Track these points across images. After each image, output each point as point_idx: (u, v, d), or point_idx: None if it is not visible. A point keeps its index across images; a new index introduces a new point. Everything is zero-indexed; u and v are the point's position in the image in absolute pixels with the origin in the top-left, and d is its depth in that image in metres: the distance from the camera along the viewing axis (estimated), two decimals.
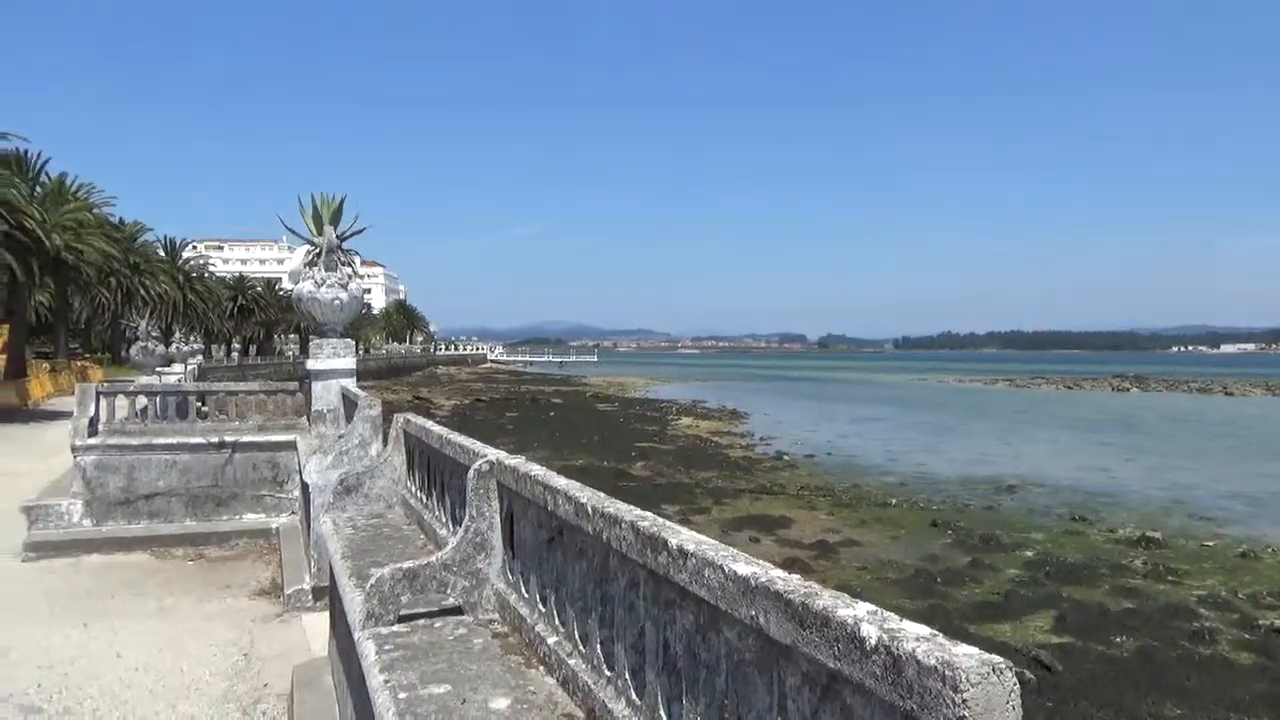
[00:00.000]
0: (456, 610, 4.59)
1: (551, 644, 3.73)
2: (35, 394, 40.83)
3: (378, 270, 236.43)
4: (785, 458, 39.26)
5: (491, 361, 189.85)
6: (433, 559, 4.55)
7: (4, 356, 51.58)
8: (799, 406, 76.69)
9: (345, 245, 13.75)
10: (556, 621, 3.79)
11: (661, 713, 2.77)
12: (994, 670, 1.56)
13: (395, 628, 4.36)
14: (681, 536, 2.62)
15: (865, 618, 1.82)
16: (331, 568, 6.31)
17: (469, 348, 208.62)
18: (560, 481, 3.75)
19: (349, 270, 13.56)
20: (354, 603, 4.87)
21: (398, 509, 7.47)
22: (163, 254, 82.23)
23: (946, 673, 1.56)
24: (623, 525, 2.94)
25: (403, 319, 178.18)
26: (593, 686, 3.26)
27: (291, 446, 13.88)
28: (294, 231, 13.66)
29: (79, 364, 58.26)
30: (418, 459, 7.10)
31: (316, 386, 13.45)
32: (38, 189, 46.08)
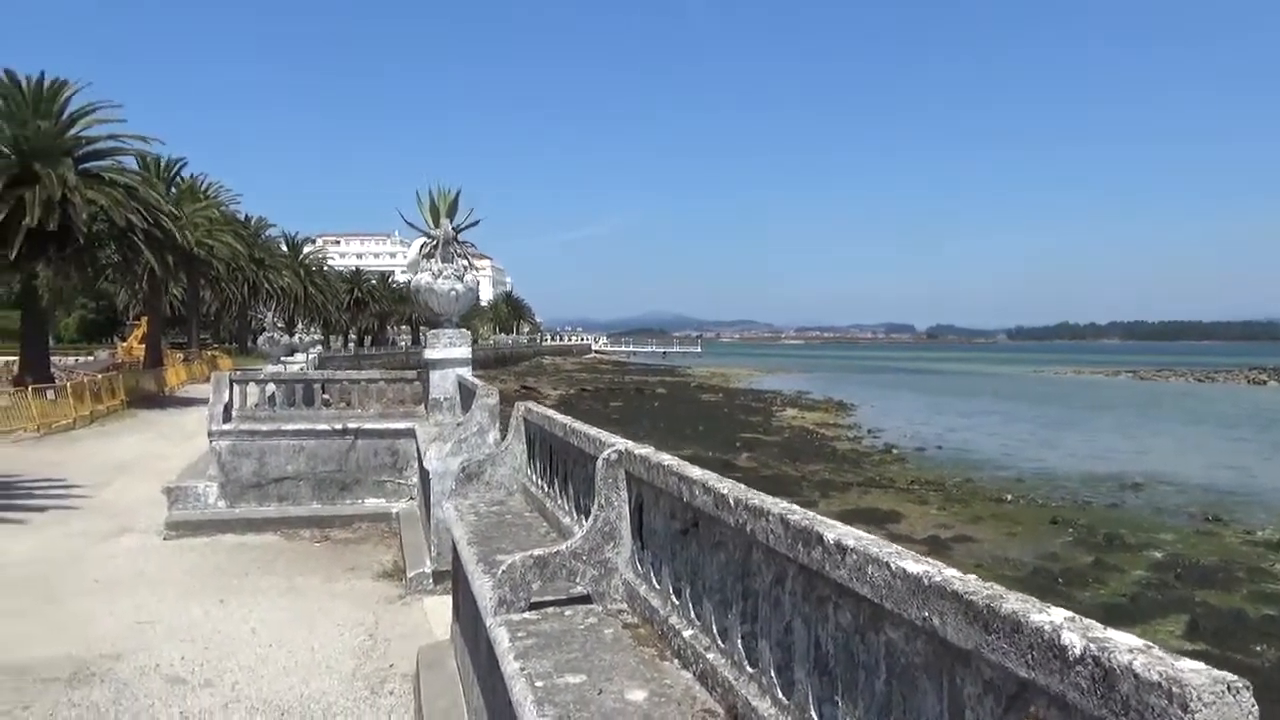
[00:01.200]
0: (584, 599, 4.58)
1: (687, 637, 3.67)
2: (172, 381, 43.25)
3: (485, 263, 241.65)
4: (894, 451, 38.39)
5: (595, 352, 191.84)
6: (562, 547, 4.55)
7: (144, 347, 54.87)
8: (907, 399, 74.91)
9: (460, 237, 14.01)
10: (692, 614, 3.73)
11: (812, 713, 2.66)
12: (1229, 689, 1.41)
13: (526, 615, 4.38)
14: (838, 531, 2.51)
15: (1064, 625, 1.68)
16: (457, 553, 6.41)
17: (573, 338, 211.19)
18: (696, 471, 3.68)
19: (464, 262, 13.83)
20: (483, 588, 4.92)
21: (518, 496, 7.55)
22: (285, 249, 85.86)
23: (1173, 689, 1.41)
24: (770, 518, 2.85)
25: (509, 310, 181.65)
26: (734, 682, 3.18)
27: (410, 434, 14.26)
28: (412, 225, 14.01)
29: (209, 353, 61.51)
30: (539, 447, 7.15)
31: (434, 375, 13.77)
32: (172, 189, 48.78)
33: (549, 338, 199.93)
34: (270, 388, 14.98)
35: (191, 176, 54.23)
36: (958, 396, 76.60)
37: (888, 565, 2.19)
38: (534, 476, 7.32)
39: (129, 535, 13.64)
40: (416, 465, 14.23)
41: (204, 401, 40.49)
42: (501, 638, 4.12)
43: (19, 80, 33.13)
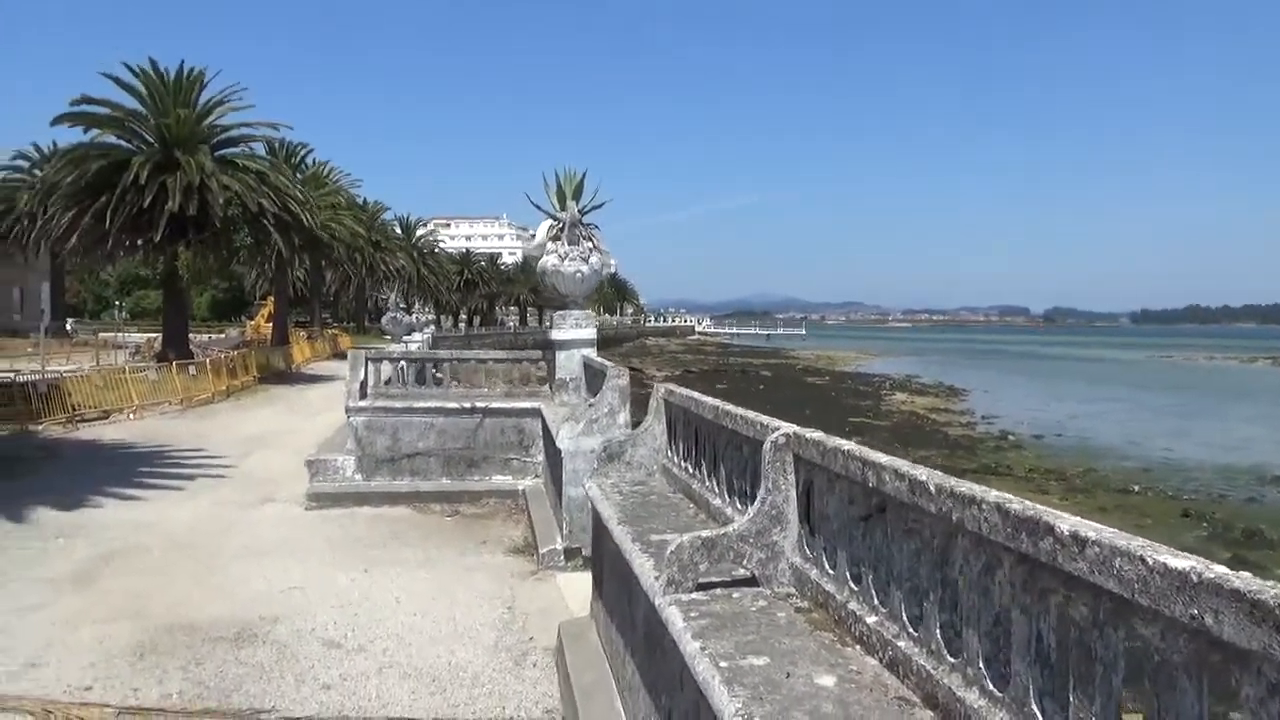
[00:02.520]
0: (749, 582, 4.59)
1: (871, 624, 3.64)
2: (298, 359, 45.26)
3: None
4: (1010, 438, 37.21)
5: (699, 334, 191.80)
6: (729, 529, 4.57)
7: (271, 325, 57.55)
8: (1022, 384, 72.45)
9: (586, 220, 14.16)
10: (875, 601, 3.69)
11: (1033, 707, 2.61)
12: None
13: (694, 595, 4.42)
14: (1069, 521, 2.45)
15: None
16: (604, 531, 6.52)
17: (677, 320, 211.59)
18: (883, 457, 3.64)
19: (590, 244, 13.96)
20: (644, 568, 4.99)
21: (658, 477, 7.62)
22: (399, 231, 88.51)
23: None
24: (983, 506, 2.79)
25: (614, 292, 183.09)
26: (931, 671, 3.14)
27: (536, 414, 14.55)
28: (538, 207, 14.21)
29: (330, 332, 64.06)
30: (681, 429, 7.19)
31: (560, 356, 13.99)
32: (297, 174, 50.81)
33: (652, 319, 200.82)
34: (401, 366, 15.50)
35: (315, 162, 56.41)
36: (1077, 382, 73.63)
37: (1143, 560, 2.11)
38: (675, 458, 7.36)
39: (272, 505, 14.37)
40: (542, 444, 14.53)
41: (327, 378, 42.41)
42: (674, 617, 4.17)
43: (162, 72, 34.99)
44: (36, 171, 58.45)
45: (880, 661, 3.52)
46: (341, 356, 56.52)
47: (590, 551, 10.43)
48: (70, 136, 36.19)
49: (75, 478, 16.05)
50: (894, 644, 3.43)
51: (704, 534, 4.56)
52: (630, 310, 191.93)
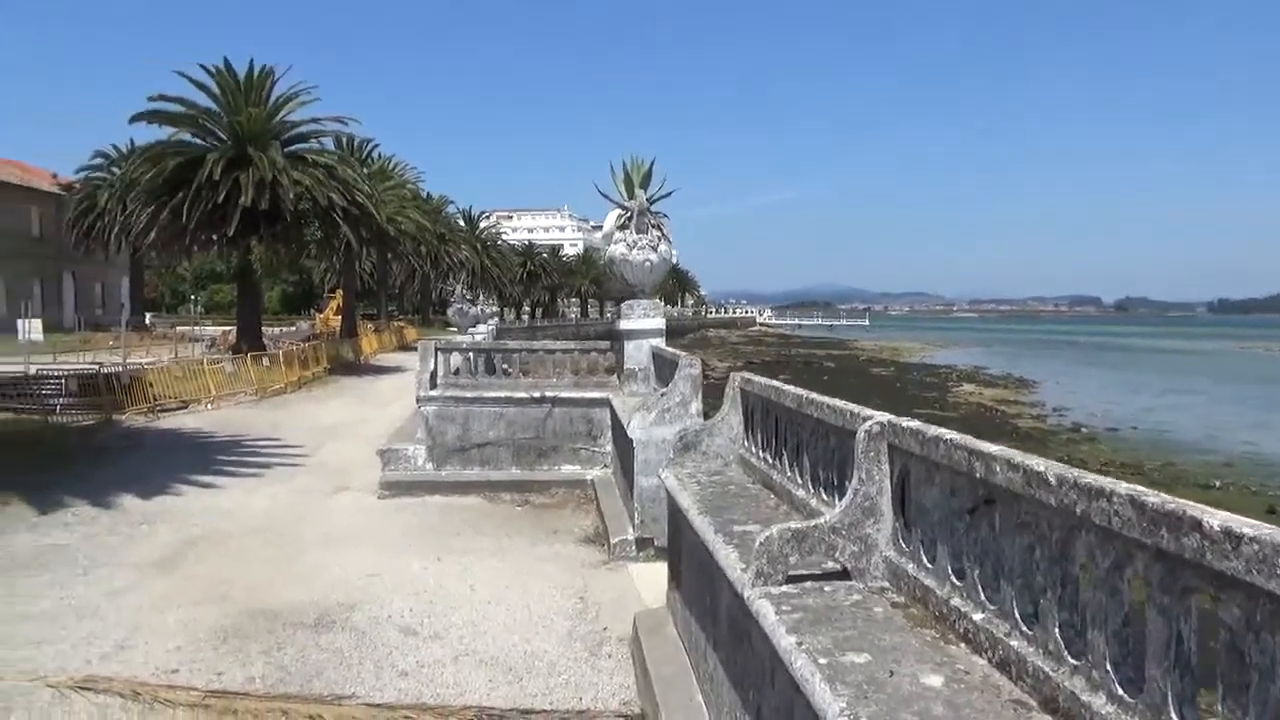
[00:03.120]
0: (840, 575, 4.45)
1: (978, 621, 3.47)
2: (366, 350, 46.06)
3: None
4: (1083, 430, 36.22)
5: (760, 325, 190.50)
6: (820, 521, 4.43)
7: (339, 318, 58.69)
8: (1095, 375, 70.45)
9: (654, 208, 14.05)
10: (982, 597, 3.53)
11: (1172, 713, 2.43)
12: None
13: (785, 588, 4.30)
14: (1219, 516, 2.27)
15: None
16: (683, 522, 6.42)
17: (738, 311, 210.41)
18: (992, 447, 3.47)
19: (658, 232, 13.86)
20: (730, 559, 4.88)
21: (734, 467, 7.49)
22: (463, 224, 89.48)
23: None
24: (1114, 499, 2.62)
25: (675, 283, 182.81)
26: (1050, 674, 2.97)
27: (604, 404, 14.52)
28: (606, 196, 14.14)
29: (397, 324, 65.10)
30: (759, 418, 7.06)
31: (628, 346, 13.93)
32: (364, 169, 51.65)
33: (713, 310, 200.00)
34: (471, 356, 15.59)
35: (381, 156, 57.26)
36: (1152, 374, 71.31)
37: None
38: (753, 448, 7.23)
39: (346, 493, 14.59)
40: (610, 434, 14.50)
41: (394, 369, 43.05)
42: (766, 611, 4.05)
43: (234, 71, 35.80)
44: (115, 170, 60.52)
45: (989, 661, 3.36)
46: (408, 348, 57.44)
47: (665, 542, 10.36)
48: (148, 135, 37.29)
49: (158, 466, 16.52)
50: (1005, 643, 3.26)
51: (794, 525, 4.42)
52: (691, 301, 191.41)
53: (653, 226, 13.86)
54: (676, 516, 7.16)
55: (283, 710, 6.52)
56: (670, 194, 14.17)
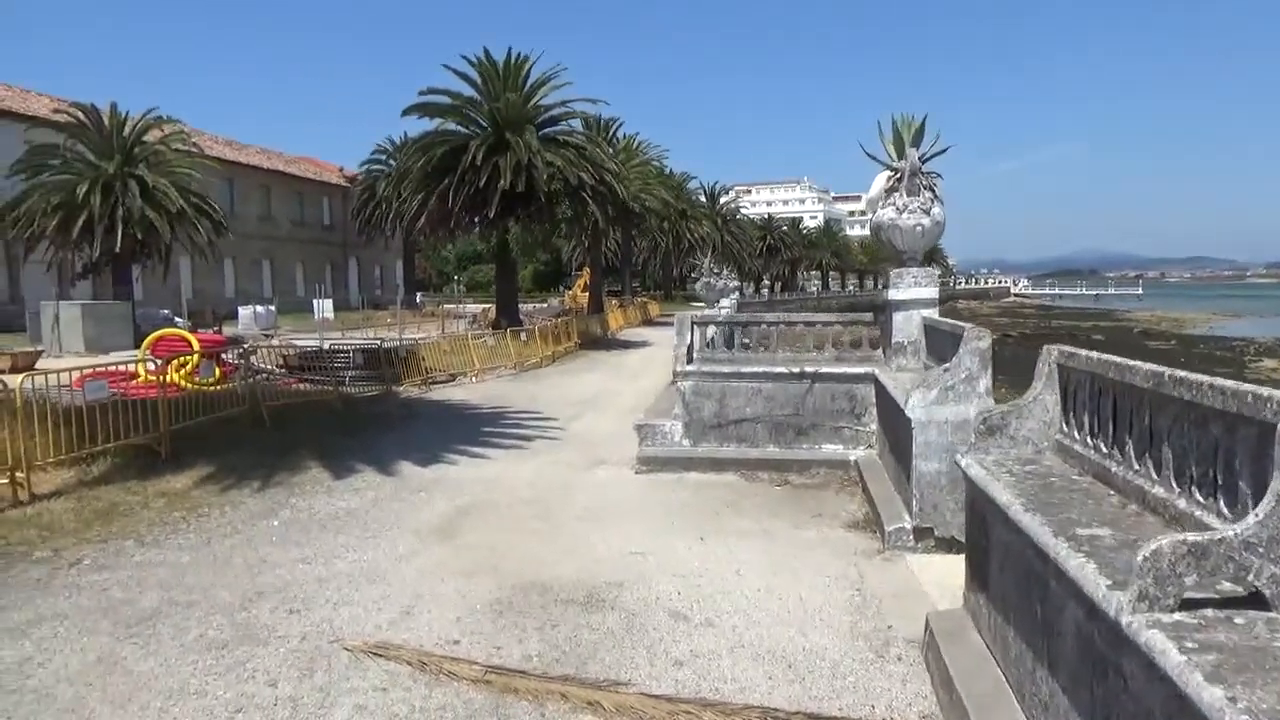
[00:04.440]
0: (1252, 602, 3.49)
1: None
2: (612, 326, 47.25)
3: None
4: None
5: (1015, 295, 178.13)
6: (1227, 534, 3.48)
7: (587, 294, 60.75)
8: None
9: (925, 168, 12.91)
10: None
11: None
12: None
13: (1178, 616, 3.41)
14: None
15: None
16: (1005, 519, 5.56)
17: (989, 281, 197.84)
18: None
19: (930, 194, 12.71)
20: (1085, 571, 4.03)
21: (1050, 455, 6.48)
22: (704, 199, 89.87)
23: None
24: None
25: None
26: None
27: (868, 379, 13.61)
28: (873, 156, 13.17)
29: (640, 300, 66.47)
30: (1083, 398, 6.02)
31: (897, 317, 12.93)
32: (610, 148, 52.80)
33: (963, 281, 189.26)
34: (727, 329, 15.16)
35: (625, 136, 58.34)
36: None
37: None
38: (1075, 433, 6.20)
39: (603, 467, 14.66)
40: (875, 412, 13.58)
41: (640, 344, 43.86)
42: (1161, 647, 3.20)
43: (494, 60, 37.54)
44: (391, 162, 65.89)
45: None
46: (652, 323, 58.50)
47: (946, 532, 9.43)
48: (420, 126, 39.99)
49: (432, 435, 17.47)
50: None
51: (1189, 537, 3.51)
52: (939, 272, 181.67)
53: (925, 188, 12.72)
54: (983, 509, 6.28)
55: (561, 693, 6.34)
56: (945, 150, 12.95)
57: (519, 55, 37.88)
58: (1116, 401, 5.50)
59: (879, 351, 14.21)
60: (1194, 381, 4.41)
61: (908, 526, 9.76)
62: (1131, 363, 5.24)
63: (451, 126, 38.09)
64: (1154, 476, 4.90)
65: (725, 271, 33.13)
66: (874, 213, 13.25)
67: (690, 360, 14.52)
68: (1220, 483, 4.20)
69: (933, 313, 12.82)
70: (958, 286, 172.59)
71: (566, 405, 21.65)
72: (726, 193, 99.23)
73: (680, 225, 77.88)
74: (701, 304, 29.60)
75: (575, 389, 25.32)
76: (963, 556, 9.43)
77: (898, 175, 12.85)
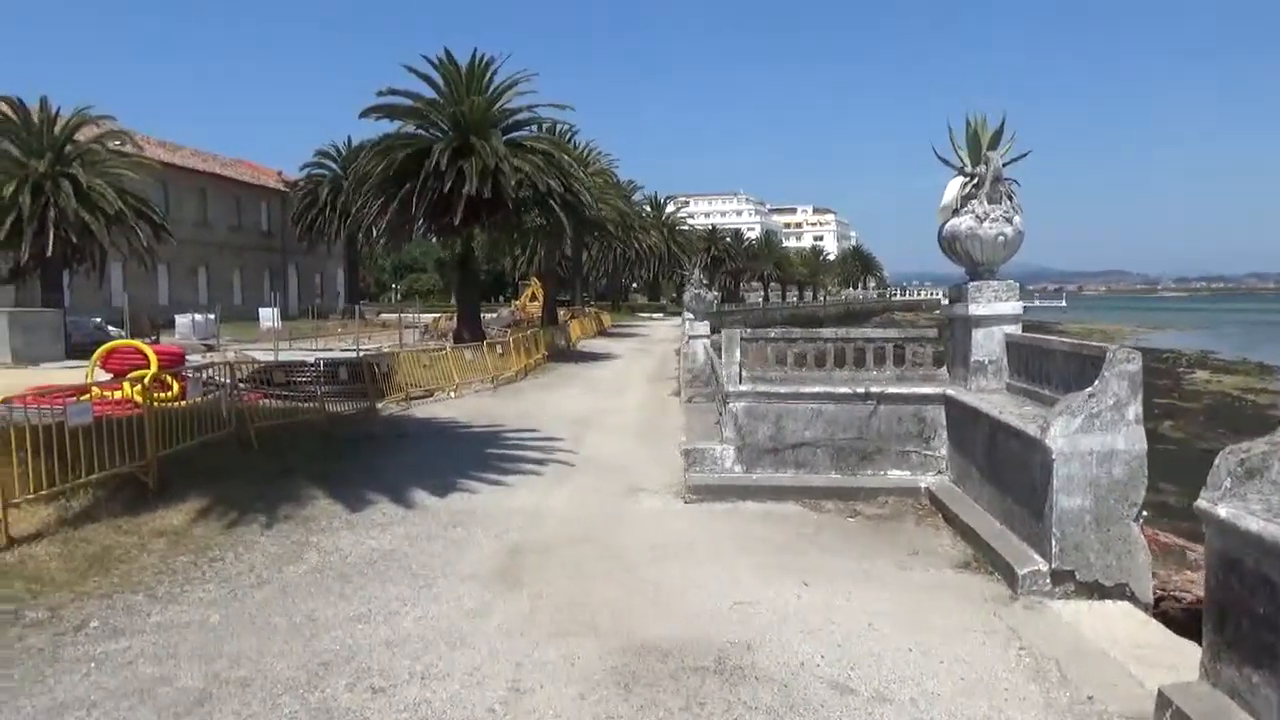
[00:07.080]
0: None
1: None
2: (574, 336, 45.95)
3: (829, 217, 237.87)
4: None
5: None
6: None
7: (536, 304, 59.29)
8: None
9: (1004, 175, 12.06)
10: None
11: None
12: None
13: None
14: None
15: None
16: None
17: (921, 293, 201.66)
18: None
19: (1011, 202, 11.86)
20: None
21: None
22: (649, 209, 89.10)
23: None
24: None
25: (857, 264, 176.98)
26: None
27: (938, 400, 12.67)
28: (946, 161, 12.29)
29: (592, 310, 65.25)
30: None
31: (977, 334, 12.02)
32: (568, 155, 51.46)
33: (896, 293, 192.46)
34: (780, 346, 14.08)
35: (580, 143, 57.02)
36: None
37: None
38: None
39: (645, 495, 13.43)
40: (944, 434, 12.63)
41: (605, 356, 42.49)
42: None
43: (456, 61, 35.94)
44: (335, 166, 63.41)
45: None
46: (606, 334, 57.27)
47: (1091, 576, 8.48)
48: (368, 131, 38.16)
49: (434, 458, 16.02)
50: None
51: None
52: (873, 284, 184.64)
53: (1007, 195, 11.87)
54: (1233, 566, 5.30)
55: None
56: (1025, 155, 12.13)
57: (484, 57, 36.38)
58: None
59: (943, 370, 13.30)
60: None
61: (1043, 569, 8.78)
62: None
63: (413, 129, 36.39)
64: None
65: (667, 284, 32.26)
66: (946, 220, 12.34)
67: (742, 380, 13.37)
68: None
69: (1015, 328, 11.96)
70: (893, 298, 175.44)
71: (563, 424, 20.33)
72: (672, 201, 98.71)
73: (628, 236, 76.84)
74: (654, 315, 28.62)
75: (563, 405, 24.00)
76: (1118, 604, 8.48)
77: (974, 180, 11.98)
